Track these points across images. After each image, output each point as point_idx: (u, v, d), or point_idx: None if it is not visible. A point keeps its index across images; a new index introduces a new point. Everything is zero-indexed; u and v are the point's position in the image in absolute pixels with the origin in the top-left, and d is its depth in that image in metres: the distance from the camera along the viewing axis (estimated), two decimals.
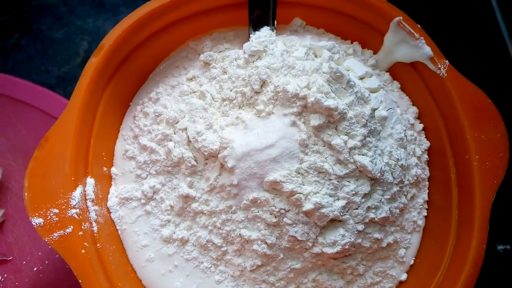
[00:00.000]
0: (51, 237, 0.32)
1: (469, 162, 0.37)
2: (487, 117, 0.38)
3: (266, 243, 0.35)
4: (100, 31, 0.53)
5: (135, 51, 0.40)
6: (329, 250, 0.34)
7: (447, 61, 0.40)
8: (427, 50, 0.40)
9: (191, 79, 0.40)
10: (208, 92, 0.37)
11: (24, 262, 0.42)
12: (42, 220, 0.33)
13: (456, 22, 0.50)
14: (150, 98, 0.41)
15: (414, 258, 0.40)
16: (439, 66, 0.39)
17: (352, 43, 0.44)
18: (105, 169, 0.39)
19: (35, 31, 0.53)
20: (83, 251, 0.33)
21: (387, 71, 0.44)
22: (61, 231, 0.33)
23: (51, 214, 0.33)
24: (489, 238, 0.35)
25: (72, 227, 0.33)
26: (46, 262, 0.42)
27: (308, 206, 0.33)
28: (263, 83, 0.36)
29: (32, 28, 0.53)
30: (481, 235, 0.35)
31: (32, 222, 0.33)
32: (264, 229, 0.34)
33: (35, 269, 0.42)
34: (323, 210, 0.33)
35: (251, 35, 0.39)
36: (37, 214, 0.33)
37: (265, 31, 0.40)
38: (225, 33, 0.43)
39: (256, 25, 0.40)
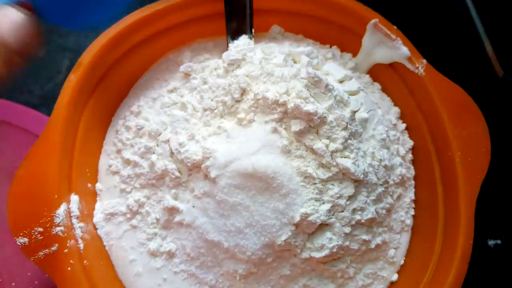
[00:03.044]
0: (37, 256, 0.32)
1: (452, 159, 0.37)
2: (467, 113, 0.38)
3: None
4: (81, 49, 0.52)
5: (114, 65, 0.40)
6: (317, 254, 0.34)
7: (424, 60, 0.40)
8: (404, 50, 0.40)
9: (172, 90, 0.40)
10: (189, 103, 0.37)
11: (13, 284, 0.41)
12: (27, 240, 0.32)
13: (432, 21, 0.51)
14: (132, 112, 0.41)
15: (404, 258, 0.40)
16: (417, 65, 0.40)
17: (331, 47, 0.45)
18: (89, 185, 0.39)
19: None
20: (69, 268, 0.33)
21: (367, 73, 0.44)
22: (46, 250, 0.32)
23: (36, 233, 0.33)
24: (480, 233, 0.36)
25: (57, 245, 0.33)
26: (36, 282, 0.42)
27: (296, 218, 0.33)
28: (243, 91, 0.36)
29: None
30: (468, 230, 0.35)
31: (17, 242, 0.32)
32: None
33: None
34: (310, 218, 0.33)
35: (229, 44, 0.40)
36: (21, 233, 0.32)
37: (243, 39, 0.40)
38: (204, 43, 0.44)
39: (234, 34, 0.41)
